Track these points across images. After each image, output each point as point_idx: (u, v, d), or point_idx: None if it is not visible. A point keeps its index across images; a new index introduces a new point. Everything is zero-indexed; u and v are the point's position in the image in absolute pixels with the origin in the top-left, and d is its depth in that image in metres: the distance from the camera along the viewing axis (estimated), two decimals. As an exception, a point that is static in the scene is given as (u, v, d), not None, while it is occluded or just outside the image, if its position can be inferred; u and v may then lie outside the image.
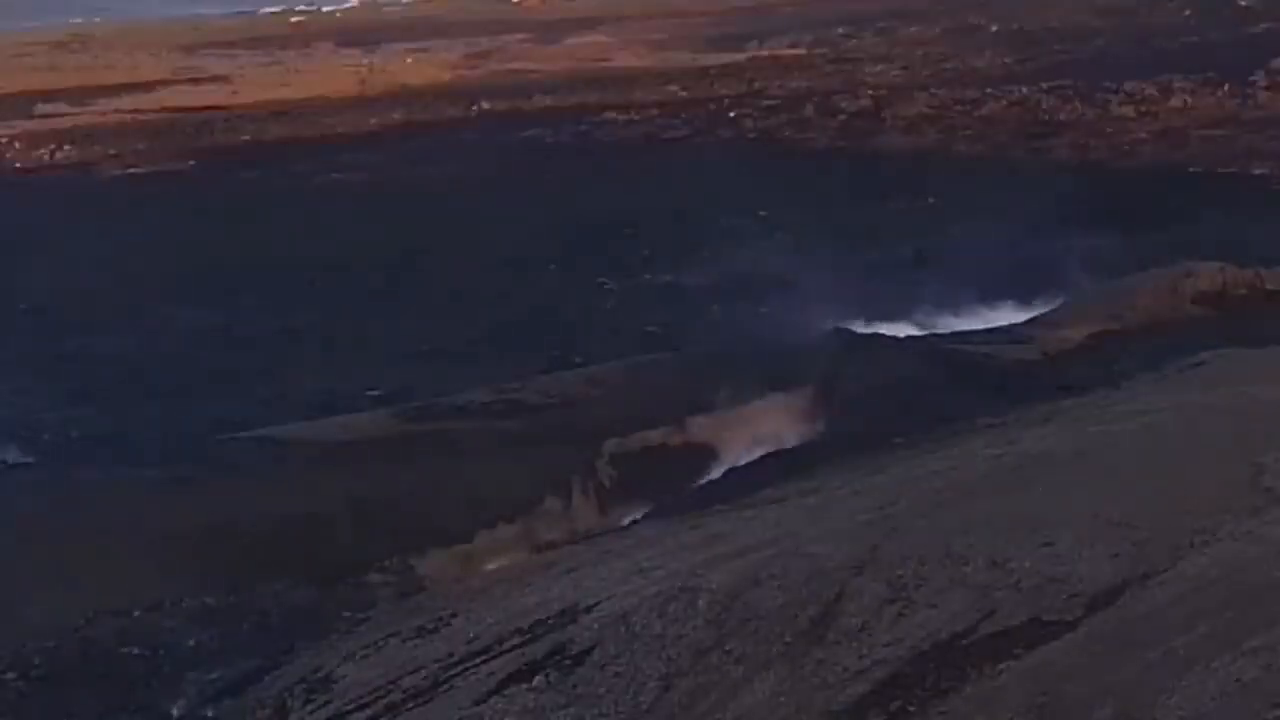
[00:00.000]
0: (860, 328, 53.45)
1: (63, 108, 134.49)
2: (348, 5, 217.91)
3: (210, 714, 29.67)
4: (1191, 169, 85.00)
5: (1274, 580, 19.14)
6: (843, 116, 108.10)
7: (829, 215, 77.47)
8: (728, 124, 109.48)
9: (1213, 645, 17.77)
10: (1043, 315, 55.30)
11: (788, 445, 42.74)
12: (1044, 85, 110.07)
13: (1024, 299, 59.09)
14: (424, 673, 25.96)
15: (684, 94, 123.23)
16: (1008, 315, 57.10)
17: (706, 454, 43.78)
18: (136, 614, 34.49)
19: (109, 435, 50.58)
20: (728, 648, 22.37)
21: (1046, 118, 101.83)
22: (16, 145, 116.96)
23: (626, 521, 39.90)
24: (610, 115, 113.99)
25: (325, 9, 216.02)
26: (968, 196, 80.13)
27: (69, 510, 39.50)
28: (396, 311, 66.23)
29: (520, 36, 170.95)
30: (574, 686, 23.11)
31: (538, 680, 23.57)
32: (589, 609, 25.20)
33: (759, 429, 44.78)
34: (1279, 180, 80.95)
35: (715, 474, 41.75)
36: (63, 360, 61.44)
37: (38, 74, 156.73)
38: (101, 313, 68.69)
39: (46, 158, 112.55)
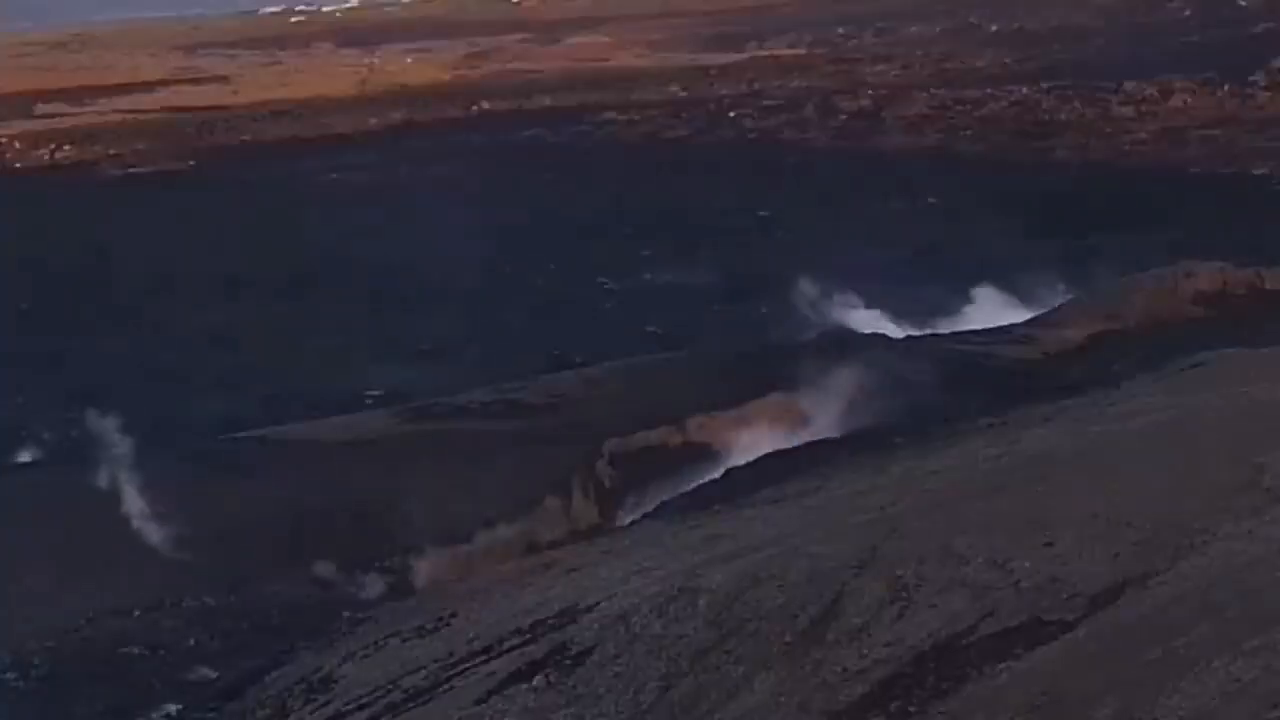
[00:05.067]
0: (860, 327, 53.43)
1: (63, 108, 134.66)
2: (348, 5, 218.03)
3: (210, 714, 29.68)
4: (1191, 169, 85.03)
5: (1274, 580, 19.11)
6: (843, 116, 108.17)
7: (829, 215, 77.51)
8: (728, 124, 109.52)
9: (1213, 645, 17.75)
10: (1043, 315, 55.28)
11: (788, 445, 42.72)
12: (1044, 85, 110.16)
13: (1024, 299, 59.07)
14: (424, 673, 25.96)
15: (684, 94, 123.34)
16: (1007, 315, 57.08)
17: (706, 454, 43.75)
18: (136, 614, 34.50)
19: (109, 435, 50.58)
20: (728, 648, 22.35)
21: (1046, 118, 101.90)
22: (16, 145, 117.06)
23: (626, 521, 39.89)
24: (610, 115, 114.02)
25: (325, 9, 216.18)
26: (968, 196, 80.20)
27: (70, 510, 39.49)
28: (396, 311, 66.25)
29: (520, 36, 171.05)
30: (574, 686, 23.11)
31: (538, 680, 23.56)
32: (589, 609, 25.19)
33: (759, 429, 44.77)
34: (1279, 180, 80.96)
35: (715, 474, 41.71)
36: (63, 360, 61.45)
37: (38, 74, 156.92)
38: (101, 312, 68.72)
39: (46, 158, 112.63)
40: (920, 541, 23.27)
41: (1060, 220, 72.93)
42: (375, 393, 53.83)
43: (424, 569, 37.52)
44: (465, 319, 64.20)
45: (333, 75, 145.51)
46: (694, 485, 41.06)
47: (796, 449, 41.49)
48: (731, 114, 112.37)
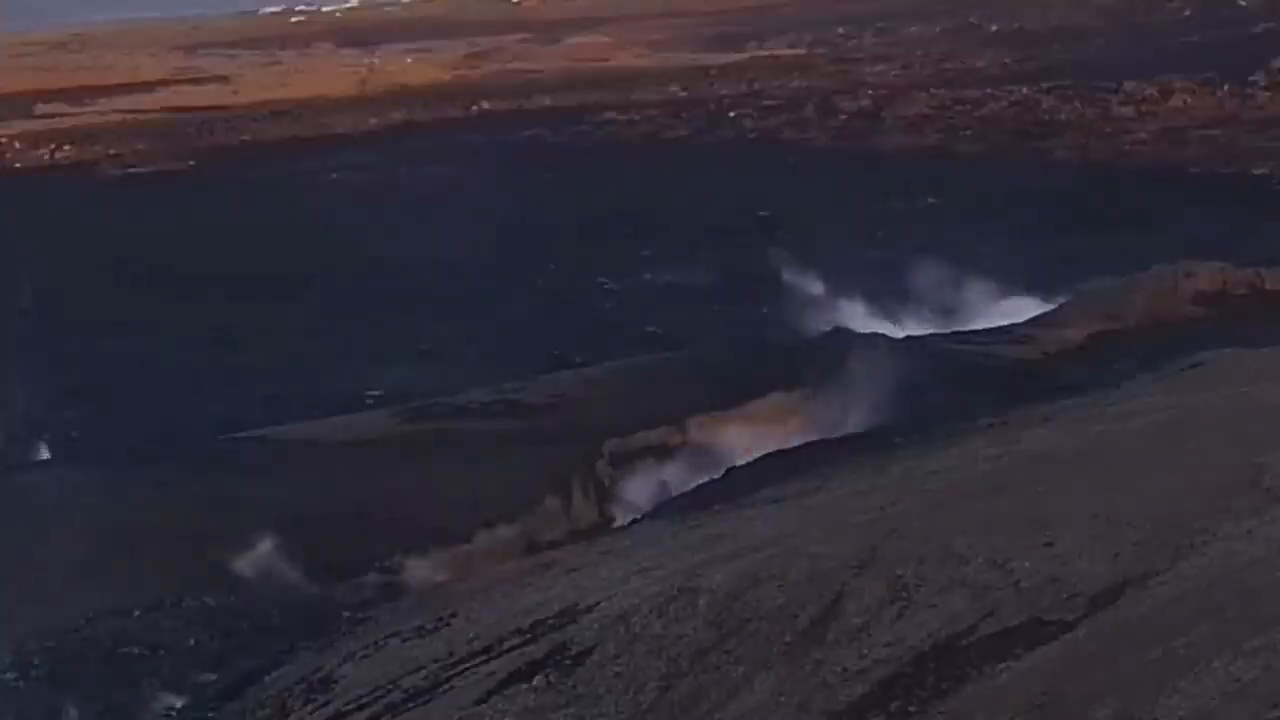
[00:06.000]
0: (860, 327, 53.41)
1: (63, 108, 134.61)
2: (348, 5, 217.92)
3: (210, 714, 29.69)
4: (1191, 169, 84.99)
5: (1274, 580, 19.10)
6: (843, 116, 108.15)
7: (829, 215, 77.47)
8: (728, 124, 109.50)
9: (1213, 645, 17.74)
10: (1043, 315, 55.27)
11: (788, 445, 42.71)
12: (1044, 85, 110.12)
13: (1024, 298, 59.05)
14: (424, 673, 25.97)
15: (684, 94, 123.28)
16: (1007, 315, 57.06)
17: (706, 454, 43.74)
18: (136, 614, 34.49)
19: (109, 435, 50.59)
20: (728, 648, 22.35)
21: (1046, 118, 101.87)
22: (16, 145, 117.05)
23: (626, 521, 39.89)
24: (610, 115, 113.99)
25: (325, 9, 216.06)
26: (968, 196, 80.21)
27: (70, 510, 39.48)
28: (396, 311, 66.23)
29: (520, 36, 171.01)
30: (574, 686, 23.11)
31: (538, 680, 23.57)
32: (589, 609, 25.19)
33: (759, 429, 44.75)
34: (1279, 180, 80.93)
35: (715, 474, 41.71)
36: (63, 360, 61.44)
37: (38, 74, 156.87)
38: (102, 313, 68.72)
39: (46, 158, 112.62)
40: (920, 541, 23.27)
41: (1060, 220, 72.90)
42: (375, 393, 53.81)
43: (424, 569, 37.50)
44: (465, 319, 64.18)
45: (333, 75, 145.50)
46: (694, 485, 41.06)
47: (796, 449, 41.48)
48: (731, 114, 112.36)
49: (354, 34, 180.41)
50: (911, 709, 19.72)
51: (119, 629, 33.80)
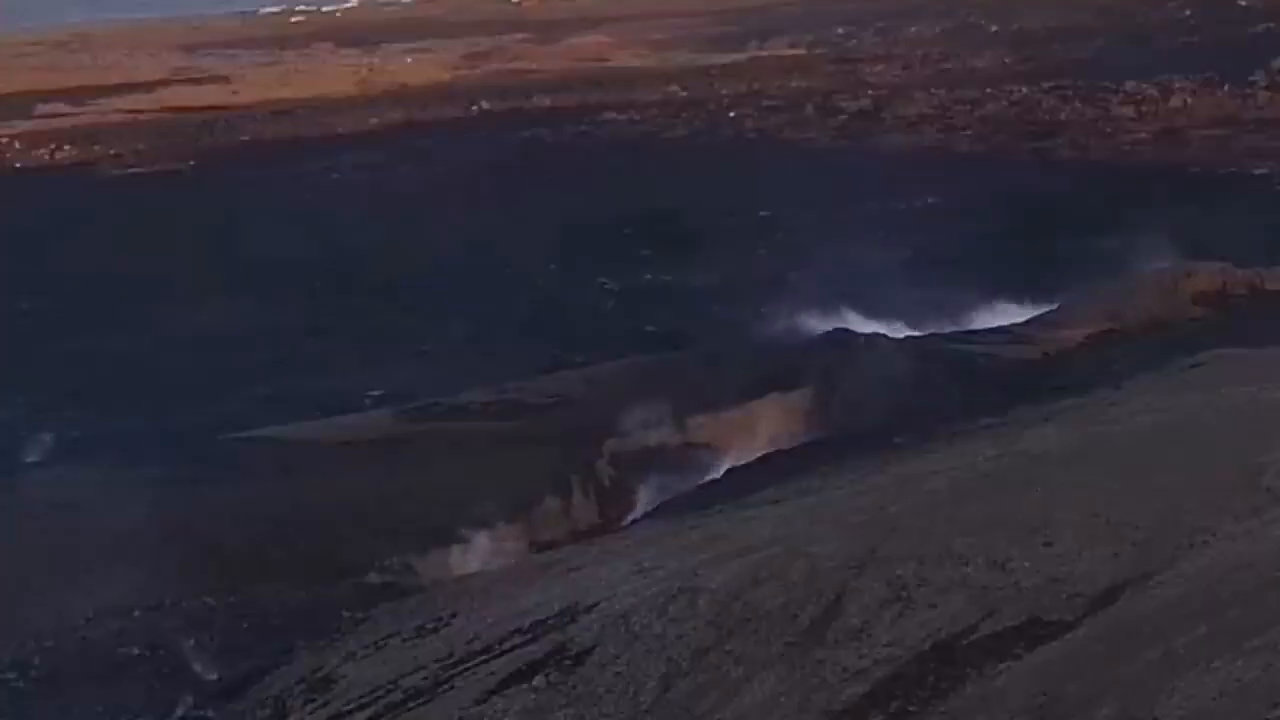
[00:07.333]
0: (860, 327, 53.41)
1: (63, 108, 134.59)
2: (348, 5, 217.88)
3: (210, 714, 29.69)
4: (1191, 169, 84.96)
5: (1274, 580, 19.10)
6: (843, 116, 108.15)
7: (829, 215, 77.45)
8: (728, 124, 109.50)
9: (1213, 645, 17.74)
10: (1043, 315, 55.25)
11: (788, 445, 42.71)
12: (1044, 85, 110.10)
13: (1024, 299, 59.04)
14: (424, 673, 25.97)
15: (684, 94, 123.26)
16: (1007, 315, 57.05)
17: (706, 454, 43.75)
18: (136, 614, 34.49)
19: (109, 435, 50.59)
20: (728, 648, 22.36)
21: (1046, 118, 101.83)
22: (16, 145, 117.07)
23: (626, 521, 39.90)
24: (610, 115, 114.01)
25: (325, 9, 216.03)
26: (968, 196, 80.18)
27: (70, 510, 39.48)
28: (396, 311, 66.23)
29: (520, 36, 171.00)
30: (574, 686, 23.12)
31: (538, 680, 23.58)
32: (589, 609, 25.20)
33: (759, 429, 44.76)
34: (1279, 180, 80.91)
35: (715, 474, 41.72)
36: (63, 360, 61.46)
37: (38, 74, 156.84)
38: (102, 313, 68.72)
39: (46, 158, 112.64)
40: (920, 541, 23.27)
41: (1060, 220, 72.87)
42: (375, 393, 53.83)
43: (424, 569, 37.50)
44: (465, 318, 64.21)
45: (333, 75, 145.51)
46: (694, 485, 41.06)
47: (796, 449, 41.50)
48: (731, 114, 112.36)
49: (354, 34, 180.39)
50: (911, 709, 19.72)
51: (119, 629, 33.81)
